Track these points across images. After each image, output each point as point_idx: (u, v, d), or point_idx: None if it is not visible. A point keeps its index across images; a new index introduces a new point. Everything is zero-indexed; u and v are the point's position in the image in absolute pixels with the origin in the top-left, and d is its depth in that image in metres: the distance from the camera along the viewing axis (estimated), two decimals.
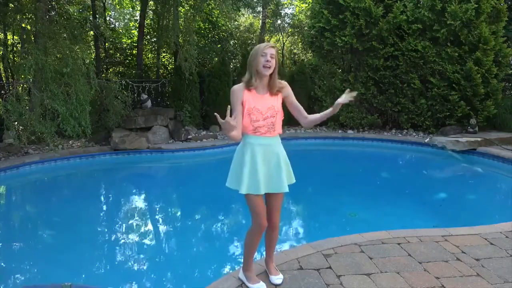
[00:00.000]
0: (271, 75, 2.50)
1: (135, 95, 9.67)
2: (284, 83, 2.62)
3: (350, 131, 10.10)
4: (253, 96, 2.51)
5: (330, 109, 2.54)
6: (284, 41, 15.05)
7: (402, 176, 7.52)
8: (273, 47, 2.49)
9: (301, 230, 5.00)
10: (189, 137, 9.21)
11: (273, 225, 2.67)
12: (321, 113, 2.62)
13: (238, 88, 2.53)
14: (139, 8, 12.06)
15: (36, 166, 7.33)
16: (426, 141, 8.61)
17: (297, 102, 2.67)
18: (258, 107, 2.49)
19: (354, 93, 2.51)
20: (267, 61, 2.42)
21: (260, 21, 15.91)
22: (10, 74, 10.15)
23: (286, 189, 2.52)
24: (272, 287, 2.69)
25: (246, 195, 2.50)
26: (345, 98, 2.49)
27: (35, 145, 8.16)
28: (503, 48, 9.10)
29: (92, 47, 11.00)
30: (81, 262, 3.94)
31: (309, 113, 2.69)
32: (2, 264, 4.00)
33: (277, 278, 2.73)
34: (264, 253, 2.90)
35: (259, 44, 2.53)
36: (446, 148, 7.92)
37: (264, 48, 2.45)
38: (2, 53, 9.61)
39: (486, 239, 3.46)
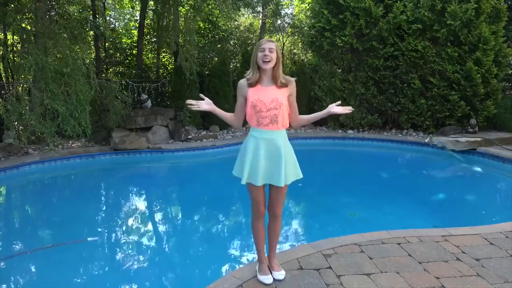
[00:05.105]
0: (274, 68, 2.57)
1: (135, 95, 9.65)
2: (292, 79, 2.66)
3: (350, 131, 10.10)
4: (257, 89, 2.61)
5: (320, 113, 2.77)
6: (284, 41, 15.04)
7: (402, 176, 7.51)
8: (271, 41, 2.59)
9: (301, 230, 5.00)
10: (189, 137, 9.20)
11: (274, 215, 2.76)
12: (311, 115, 2.79)
13: (242, 83, 2.65)
14: (139, 8, 12.05)
15: (36, 166, 7.33)
16: (426, 141, 8.60)
17: (295, 103, 2.74)
18: (262, 99, 2.57)
19: (349, 108, 2.70)
20: (265, 55, 2.52)
21: (260, 21, 15.90)
22: (10, 74, 10.14)
23: (282, 184, 2.58)
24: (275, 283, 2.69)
25: (247, 184, 2.63)
26: (341, 110, 2.69)
27: (35, 145, 8.16)
28: (503, 48, 9.09)
29: (92, 47, 10.99)
30: (81, 262, 3.94)
31: (309, 113, 2.83)
32: (2, 263, 4.00)
33: (280, 274, 2.76)
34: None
35: (260, 40, 2.63)
36: (446, 148, 7.91)
37: (263, 44, 2.56)
38: (2, 53, 9.59)
39: (486, 239, 3.46)
